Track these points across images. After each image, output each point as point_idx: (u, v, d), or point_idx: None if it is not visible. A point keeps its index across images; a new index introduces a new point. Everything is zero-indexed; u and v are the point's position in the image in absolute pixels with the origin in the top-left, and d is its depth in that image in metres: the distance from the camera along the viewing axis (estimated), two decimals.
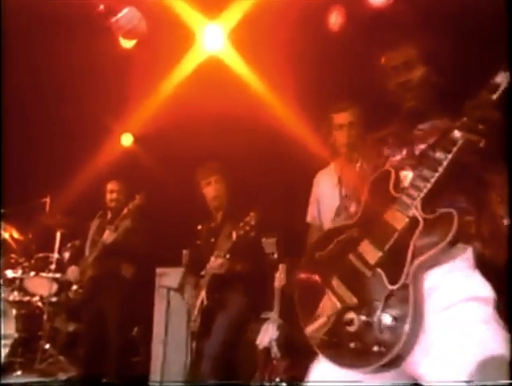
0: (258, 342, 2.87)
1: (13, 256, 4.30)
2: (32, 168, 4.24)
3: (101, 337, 3.30)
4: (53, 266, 4.21)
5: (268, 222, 2.86)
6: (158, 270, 3.73)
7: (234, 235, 2.63)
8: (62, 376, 3.73)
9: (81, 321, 3.66)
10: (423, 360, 1.19)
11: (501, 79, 1.19)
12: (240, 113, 3.37)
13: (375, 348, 1.17)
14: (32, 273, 4.22)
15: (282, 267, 3.01)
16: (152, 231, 3.49)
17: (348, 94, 2.50)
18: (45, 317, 4.01)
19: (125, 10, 3.19)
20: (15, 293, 4.14)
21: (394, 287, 1.19)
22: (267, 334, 2.85)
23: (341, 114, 2.24)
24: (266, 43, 3.11)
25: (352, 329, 1.22)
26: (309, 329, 1.31)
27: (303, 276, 1.41)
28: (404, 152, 1.39)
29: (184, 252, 3.61)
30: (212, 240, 2.90)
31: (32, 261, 4.29)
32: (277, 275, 2.99)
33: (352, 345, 1.21)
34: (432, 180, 1.23)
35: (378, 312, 1.20)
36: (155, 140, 4.16)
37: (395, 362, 1.18)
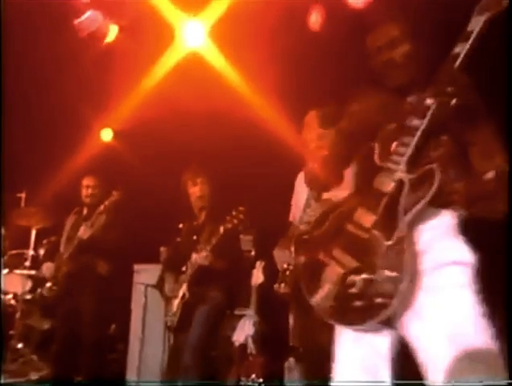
0: (234, 338, 2.86)
1: None
2: (7, 162, 4.15)
3: (76, 335, 3.24)
4: (28, 263, 4.12)
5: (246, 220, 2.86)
6: (136, 267, 3.69)
7: (222, 229, 2.66)
8: (33, 376, 3.64)
9: (56, 318, 3.59)
10: (413, 322, 1.25)
11: (459, 48, 1.28)
12: (220, 110, 3.37)
13: (378, 300, 1.21)
14: (6, 271, 4.11)
15: (259, 264, 3.02)
16: (129, 227, 3.45)
17: (327, 91, 2.52)
18: (18, 315, 3.92)
19: (88, 13, 3.15)
20: None
21: (390, 242, 1.25)
22: (244, 331, 2.85)
23: (310, 113, 2.30)
24: (246, 40, 3.12)
25: (355, 289, 1.26)
26: (314, 299, 1.34)
27: (305, 256, 1.45)
28: (394, 125, 1.44)
29: (162, 248, 3.59)
30: (194, 237, 2.92)
31: (5, 258, 4.19)
32: (254, 272, 3.00)
33: (357, 303, 1.25)
34: (412, 144, 1.31)
35: (378, 268, 1.24)
36: (136, 135, 4.12)
37: (398, 312, 1.23)
